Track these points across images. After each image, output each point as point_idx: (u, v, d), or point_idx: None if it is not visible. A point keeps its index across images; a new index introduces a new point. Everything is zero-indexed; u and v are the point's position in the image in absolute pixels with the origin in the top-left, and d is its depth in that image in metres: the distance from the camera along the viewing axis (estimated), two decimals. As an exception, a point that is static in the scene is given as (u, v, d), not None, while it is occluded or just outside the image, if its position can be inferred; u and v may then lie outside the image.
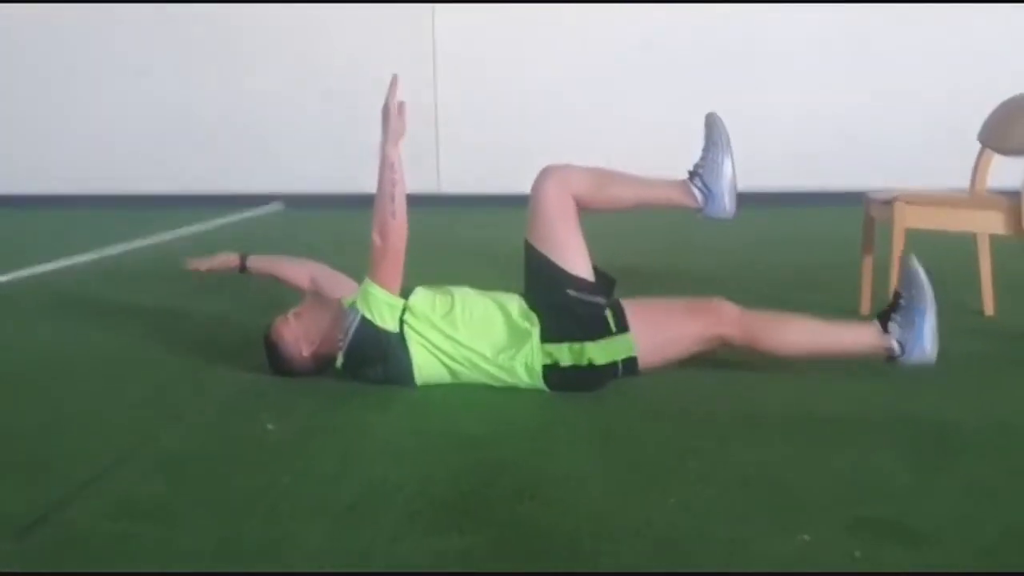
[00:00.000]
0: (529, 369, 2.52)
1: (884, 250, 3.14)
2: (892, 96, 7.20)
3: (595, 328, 2.52)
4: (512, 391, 2.53)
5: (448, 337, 2.54)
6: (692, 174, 2.69)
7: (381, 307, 2.52)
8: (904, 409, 2.39)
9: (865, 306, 3.36)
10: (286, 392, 2.58)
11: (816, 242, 5.31)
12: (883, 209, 3.11)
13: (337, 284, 2.86)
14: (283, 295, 3.71)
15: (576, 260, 2.67)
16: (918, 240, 3.00)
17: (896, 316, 2.51)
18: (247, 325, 3.32)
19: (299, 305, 2.73)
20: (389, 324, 2.52)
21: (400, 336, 2.53)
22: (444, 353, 2.55)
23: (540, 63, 7.48)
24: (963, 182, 3.40)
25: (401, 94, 2.59)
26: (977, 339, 3.04)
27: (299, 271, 2.96)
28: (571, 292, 2.60)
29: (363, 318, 2.53)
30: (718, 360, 2.70)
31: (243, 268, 2.97)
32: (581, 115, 7.62)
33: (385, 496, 1.94)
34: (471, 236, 6.24)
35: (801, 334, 2.60)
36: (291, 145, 7.87)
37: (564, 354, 2.51)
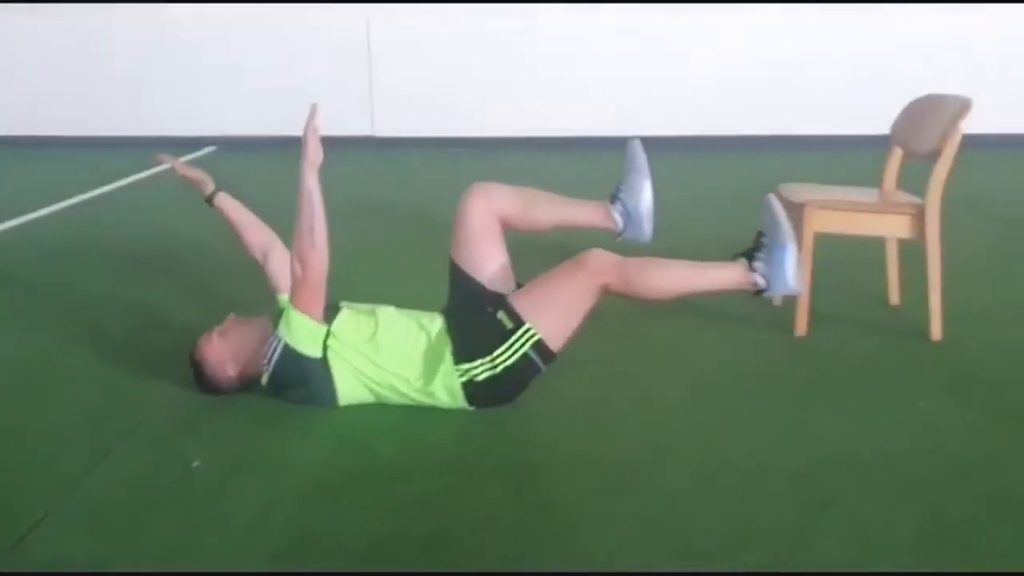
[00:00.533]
0: (449, 391, 2.61)
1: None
2: (819, 44, 7.28)
3: (497, 337, 2.59)
4: (435, 415, 2.62)
5: (371, 361, 2.62)
6: (613, 197, 2.76)
7: (303, 334, 2.59)
8: (803, 438, 2.52)
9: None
10: (212, 416, 2.65)
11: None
12: (794, 209, 3.21)
13: (284, 276, 2.87)
14: (215, 288, 3.74)
15: (498, 278, 2.75)
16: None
17: (760, 254, 2.62)
18: (175, 322, 3.37)
19: (223, 323, 2.77)
20: (311, 350, 2.59)
21: (323, 361, 2.60)
22: (367, 377, 2.63)
23: (477, 5, 7.38)
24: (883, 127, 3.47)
25: (318, 121, 2.60)
26: (878, 336, 3.21)
27: (258, 239, 2.95)
28: (489, 309, 2.68)
29: (285, 344, 2.59)
30: (637, 397, 2.80)
31: (210, 200, 2.96)
32: (518, 57, 7.58)
33: (306, 545, 2.04)
34: (406, 188, 6.24)
35: (673, 275, 2.67)
36: (223, 87, 7.72)
37: (478, 369, 2.60)
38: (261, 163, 6.81)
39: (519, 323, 2.58)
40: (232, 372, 2.70)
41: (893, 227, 3.16)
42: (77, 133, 7.80)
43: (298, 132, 2.56)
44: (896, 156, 3.43)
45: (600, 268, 2.59)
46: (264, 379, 2.65)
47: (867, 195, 3.35)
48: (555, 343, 2.61)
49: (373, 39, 7.54)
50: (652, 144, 2.75)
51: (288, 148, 3.02)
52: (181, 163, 3.03)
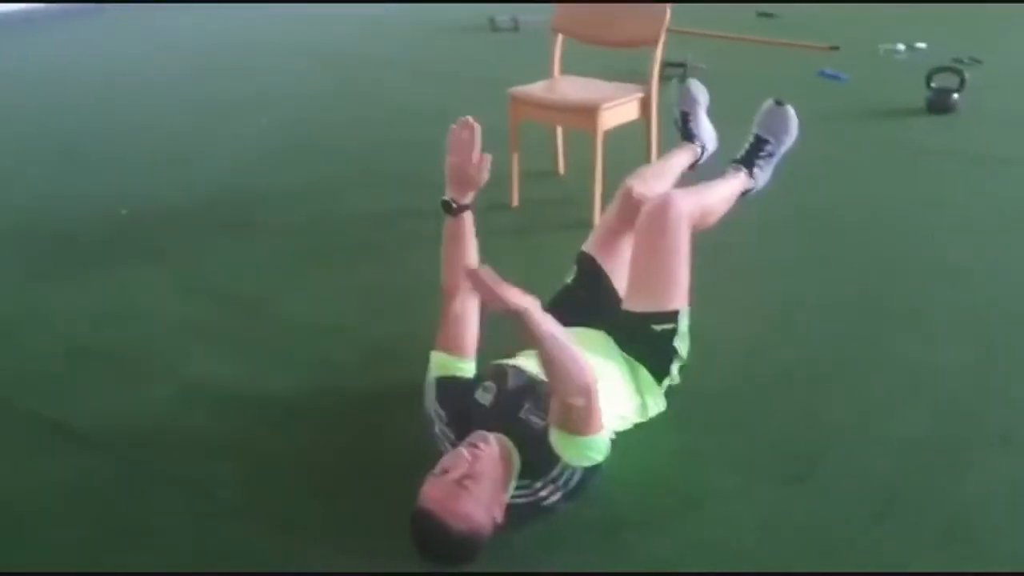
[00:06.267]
0: (657, 407, 2.41)
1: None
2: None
3: (668, 343, 2.40)
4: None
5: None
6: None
7: (602, 446, 2.11)
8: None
9: (515, 200, 3.73)
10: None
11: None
12: (584, 114, 3.46)
13: (466, 334, 2.35)
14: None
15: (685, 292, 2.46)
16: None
17: (759, 161, 2.80)
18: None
19: (455, 466, 1.95)
20: (606, 446, 2.13)
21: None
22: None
23: None
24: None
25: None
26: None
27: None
28: (652, 327, 2.42)
29: (585, 468, 2.08)
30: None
31: (461, 209, 2.30)
32: None
33: None
34: None
35: (721, 197, 2.71)
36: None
37: (676, 373, 2.43)
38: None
39: (672, 317, 2.41)
40: (499, 516, 1.98)
41: (632, 112, 3.63)
42: None
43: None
44: (559, 43, 3.79)
45: (689, 212, 2.48)
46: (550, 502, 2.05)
47: (578, 85, 3.73)
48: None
49: None
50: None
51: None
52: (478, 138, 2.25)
